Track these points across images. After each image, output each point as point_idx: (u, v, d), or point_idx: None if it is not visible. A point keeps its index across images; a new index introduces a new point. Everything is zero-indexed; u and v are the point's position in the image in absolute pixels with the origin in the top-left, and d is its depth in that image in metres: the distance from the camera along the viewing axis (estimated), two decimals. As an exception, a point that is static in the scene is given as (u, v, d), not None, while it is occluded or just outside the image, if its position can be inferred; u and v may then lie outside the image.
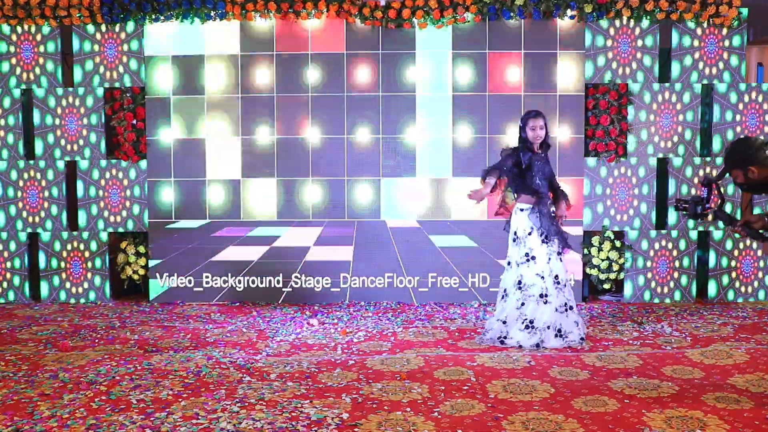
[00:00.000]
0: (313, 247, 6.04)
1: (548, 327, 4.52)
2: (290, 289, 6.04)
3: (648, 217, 5.99)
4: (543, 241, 4.55)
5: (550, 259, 4.55)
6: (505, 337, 4.61)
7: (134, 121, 6.08)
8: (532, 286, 4.55)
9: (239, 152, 6.03)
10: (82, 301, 6.14)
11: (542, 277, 4.53)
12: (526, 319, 4.54)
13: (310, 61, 6.00)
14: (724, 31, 5.91)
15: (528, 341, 4.52)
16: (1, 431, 3.18)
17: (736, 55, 5.94)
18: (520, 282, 4.59)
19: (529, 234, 4.57)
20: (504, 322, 4.65)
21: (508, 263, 4.70)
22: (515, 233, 4.64)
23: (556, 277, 4.56)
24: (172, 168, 6.07)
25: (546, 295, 4.53)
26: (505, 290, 4.70)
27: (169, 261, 6.07)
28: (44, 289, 6.16)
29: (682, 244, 5.99)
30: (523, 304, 4.57)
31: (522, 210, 4.61)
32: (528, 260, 4.57)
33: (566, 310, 4.58)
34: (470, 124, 5.99)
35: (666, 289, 6.01)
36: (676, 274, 6.00)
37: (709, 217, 3.47)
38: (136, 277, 6.16)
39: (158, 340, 4.84)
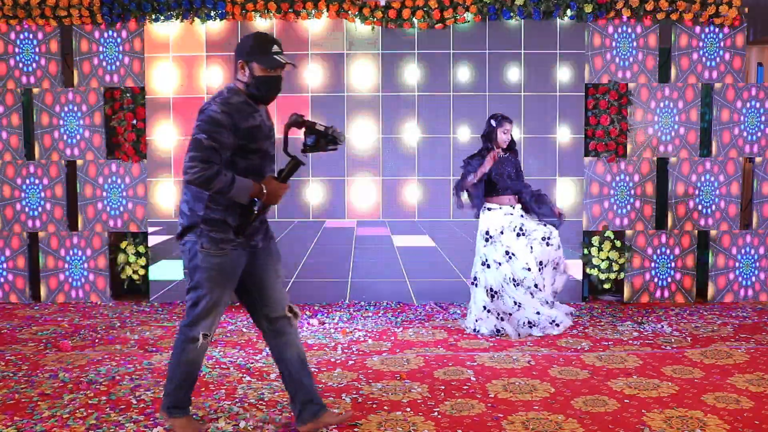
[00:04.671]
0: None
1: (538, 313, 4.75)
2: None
3: (648, 217, 6.00)
4: (518, 234, 4.68)
5: (532, 248, 4.69)
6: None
7: (134, 121, 6.08)
8: (525, 279, 4.72)
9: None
10: (82, 301, 6.14)
11: (529, 269, 4.67)
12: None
13: (310, 61, 6.00)
14: (725, 31, 5.91)
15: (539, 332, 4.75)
16: (1, 431, 3.18)
17: (736, 55, 5.93)
18: (514, 279, 4.73)
19: (501, 232, 4.73)
20: (501, 319, 4.83)
21: (485, 263, 4.81)
22: (487, 233, 4.79)
23: (540, 262, 4.72)
24: (172, 168, 6.07)
25: (537, 285, 4.72)
26: (491, 289, 4.80)
27: (169, 261, 6.08)
28: (44, 289, 6.16)
29: (682, 244, 5.99)
30: (531, 295, 4.76)
31: (490, 209, 4.80)
32: (510, 257, 4.70)
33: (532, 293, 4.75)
34: (470, 124, 5.99)
35: (666, 290, 6.01)
36: (676, 275, 6.00)
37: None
38: (136, 277, 6.16)
39: (158, 340, 4.84)
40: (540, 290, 4.72)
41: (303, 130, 2.94)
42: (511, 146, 4.91)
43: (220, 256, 2.85)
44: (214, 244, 2.84)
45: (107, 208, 6.11)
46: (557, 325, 4.80)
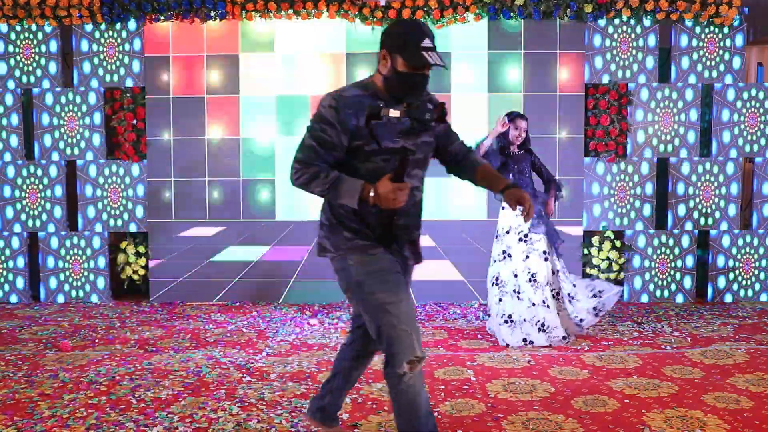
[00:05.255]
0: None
1: (525, 320, 4.56)
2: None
3: (648, 217, 6.00)
4: (520, 240, 4.61)
5: (528, 257, 4.59)
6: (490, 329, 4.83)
7: (134, 121, 6.08)
8: (507, 283, 4.64)
9: (239, 152, 6.04)
10: (82, 301, 6.14)
11: (516, 275, 4.60)
12: (504, 314, 4.62)
13: (309, 61, 6.00)
14: (725, 31, 5.91)
15: (511, 337, 4.58)
16: (1, 431, 3.18)
17: (736, 55, 5.93)
18: (497, 278, 4.68)
19: (507, 232, 4.67)
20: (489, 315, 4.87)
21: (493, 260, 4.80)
22: (497, 230, 4.77)
23: (533, 275, 4.57)
24: (172, 168, 6.07)
25: (518, 292, 4.59)
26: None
27: (169, 261, 6.08)
28: (44, 289, 6.16)
29: (682, 244, 5.99)
30: (500, 299, 4.66)
31: (503, 207, 4.72)
32: (505, 257, 4.65)
33: (547, 306, 4.58)
34: (470, 124, 5.99)
35: (666, 290, 6.01)
36: (676, 274, 6.00)
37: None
38: (136, 277, 6.16)
39: (158, 340, 4.84)
40: (520, 300, 4.58)
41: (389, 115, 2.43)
42: (525, 144, 4.76)
43: (375, 261, 2.48)
44: (362, 252, 2.50)
45: (107, 208, 6.11)
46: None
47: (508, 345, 4.57)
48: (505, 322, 4.60)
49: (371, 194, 2.35)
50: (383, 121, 2.41)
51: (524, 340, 4.55)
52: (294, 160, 2.48)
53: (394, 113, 2.39)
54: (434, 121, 2.45)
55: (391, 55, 2.41)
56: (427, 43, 2.38)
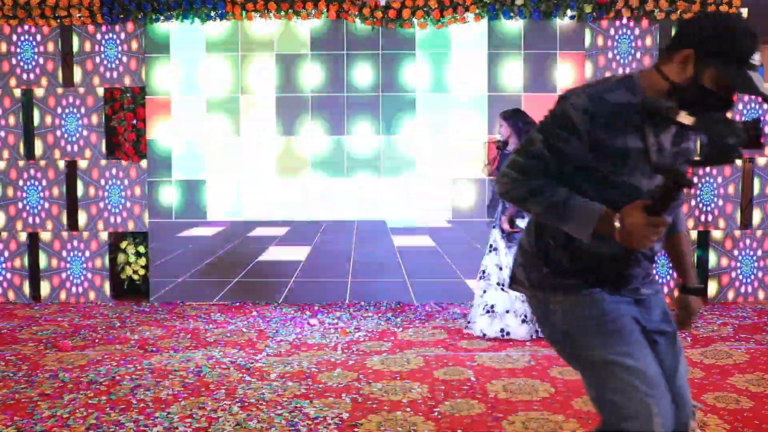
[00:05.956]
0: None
1: (507, 311, 4.68)
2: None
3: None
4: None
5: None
6: (468, 323, 4.89)
7: (134, 121, 6.09)
8: (491, 276, 4.75)
9: (240, 152, 6.04)
10: (82, 301, 6.14)
11: (500, 268, 4.70)
12: (486, 305, 4.74)
13: (310, 61, 6.00)
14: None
15: (490, 327, 4.71)
16: (1, 431, 3.18)
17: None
18: (483, 271, 4.80)
19: (494, 227, 4.79)
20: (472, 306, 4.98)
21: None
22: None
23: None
24: (172, 168, 6.07)
25: (503, 284, 4.69)
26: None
27: (169, 261, 6.08)
28: (44, 289, 6.16)
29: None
30: (485, 291, 4.77)
31: None
32: (491, 251, 4.78)
33: None
34: (469, 124, 5.99)
35: (666, 290, 6.00)
36: (676, 274, 6.00)
37: None
38: (136, 277, 6.16)
39: (158, 340, 4.84)
40: (504, 291, 4.68)
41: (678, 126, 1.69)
42: (503, 146, 4.72)
43: (591, 304, 1.84)
44: (569, 292, 1.86)
45: (107, 208, 6.11)
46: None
47: (485, 335, 4.72)
48: (487, 312, 4.73)
49: (616, 224, 1.70)
50: (669, 130, 1.77)
51: (502, 330, 4.68)
52: (512, 165, 1.83)
53: (687, 119, 1.64)
54: (748, 146, 1.59)
55: (700, 60, 1.68)
56: (756, 59, 1.66)
